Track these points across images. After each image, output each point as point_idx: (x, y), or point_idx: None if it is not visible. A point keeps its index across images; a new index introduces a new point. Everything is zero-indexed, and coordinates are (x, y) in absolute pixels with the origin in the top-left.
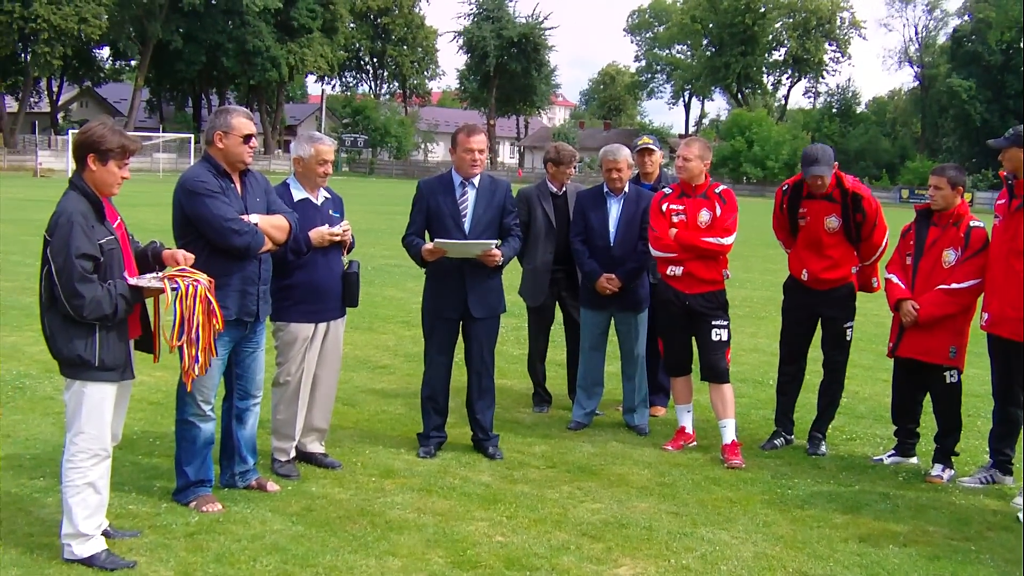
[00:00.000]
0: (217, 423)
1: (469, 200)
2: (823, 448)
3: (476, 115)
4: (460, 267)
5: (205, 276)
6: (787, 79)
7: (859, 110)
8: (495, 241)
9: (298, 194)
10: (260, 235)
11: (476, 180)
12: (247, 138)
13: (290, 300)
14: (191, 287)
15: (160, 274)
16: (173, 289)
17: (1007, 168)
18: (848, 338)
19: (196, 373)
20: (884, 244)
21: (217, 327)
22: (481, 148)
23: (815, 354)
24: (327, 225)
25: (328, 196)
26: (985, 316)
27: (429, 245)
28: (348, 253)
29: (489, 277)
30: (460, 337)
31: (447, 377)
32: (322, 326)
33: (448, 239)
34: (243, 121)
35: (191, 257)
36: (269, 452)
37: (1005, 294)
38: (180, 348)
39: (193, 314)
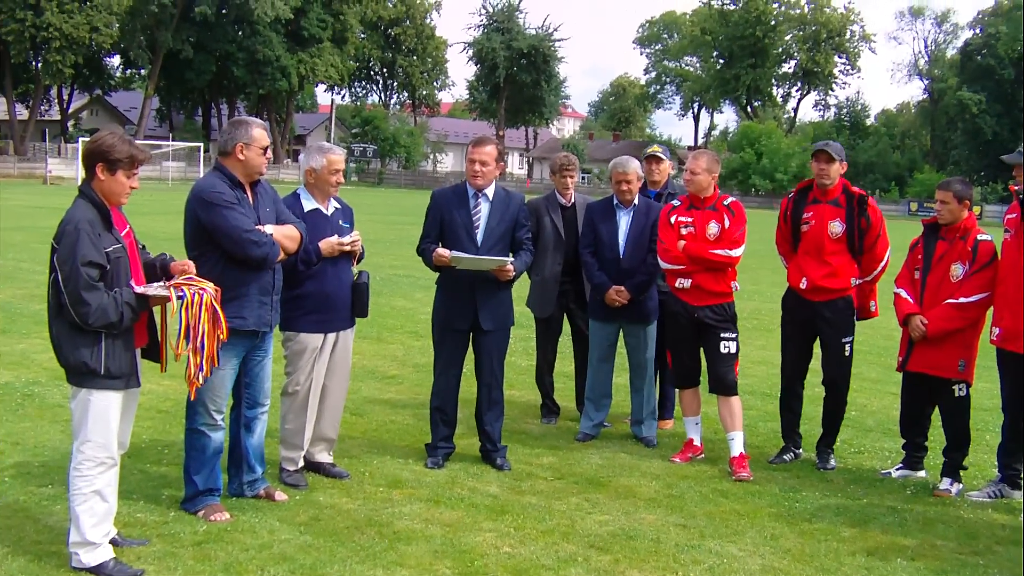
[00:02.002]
0: (225, 432)
1: (482, 212)
2: (832, 462)
3: (485, 126)
4: (471, 279)
5: (211, 285)
6: (797, 91)
7: (868, 123)
8: (510, 259)
9: (308, 204)
10: (276, 246)
11: (490, 192)
12: (265, 149)
13: (300, 310)
14: (197, 295)
15: (167, 282)
16: (179, 297)
17: (1021, 184)
18: (847, 354)
19: (200, 382)
20: (886, 260)
21: (222, 336)
22: (484, 160)
23: (817, 365)
24: (337, 235)
25: (338, 206)
26: (996, 331)
27: (443, 251)
28: (358, 263)
29: (499, 290)
30: (469, 349)
31: (456, 388)
32: (331, 336)
33: (460, 250)
34: (262, 133)
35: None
36: (277, 461)
37: (1017, 309)
38: (185, 356)
39: (199, 322)
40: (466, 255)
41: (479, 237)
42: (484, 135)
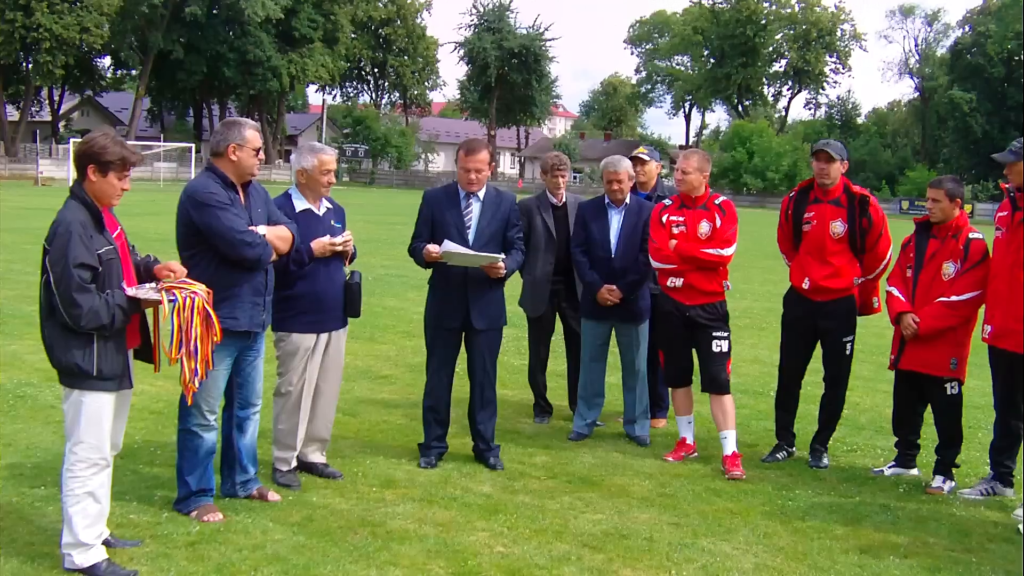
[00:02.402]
0: (218, 433)
1: (474, 212)
2: (825, 460)
3: (476, 126)
4: (462, 278)
5: (203, 287)
6: (788, 90)
7: (859, 121)
8: (501, 255)
9: (300, 205)
10: (269, 246)
11: (481, 193)
12: (257, 151)
13: (292, 310)
14: (188, 299)
15: (158, 285)
16: (170, 301)
17: (1012, 182)
18: (848, 352)
19: (196, 386)
20: (888, 258)
21: (216, 338)
22: (479, 168)
23: (815, 365)
24: (328, 235)
25: (330, 206)
26: (987, 328)
27: (433, 247)
28: (350, 263)
29: (491, 289)
30: (462, 348)
31: (449, 388)
32: (323, 336)
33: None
34: (255, 134)
35: (183, 270)
36: (270, 462)
37: (1008, 306)
38: (180, 360)
39: (191, 326)
40: (457, 250)
41: (471, 237)
42: (475, 140)
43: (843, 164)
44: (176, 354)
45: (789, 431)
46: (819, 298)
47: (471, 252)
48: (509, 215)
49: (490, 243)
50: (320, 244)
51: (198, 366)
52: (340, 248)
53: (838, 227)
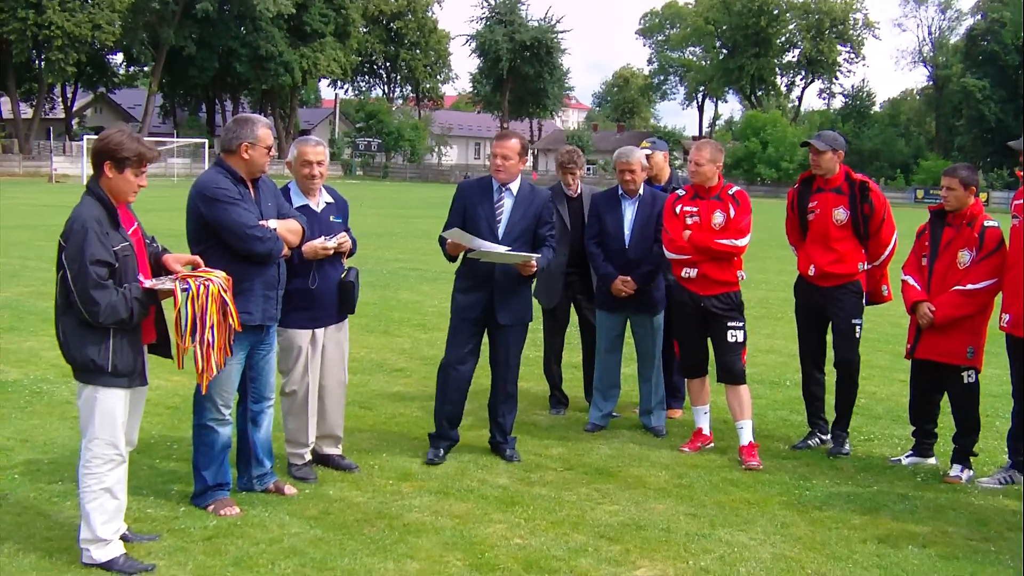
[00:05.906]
0: (233, 427)
1: (505, 207)
2: (847, 447)
3: (489, 119)
4: (490, 273)
5: (221, 274)
6: (801, 80)
7: (873, 110)
8: (536, 255)
9: (297, 200)
10: (280, 240)
11: (515, 187)
12: (269, 148)
13: (288, 305)
14: (202, 287)
15: (175, 275)
16: (184, 290)
17: None
18: (857, 335)
19: (213, 373)
20: (892, 244)
21: (234, 326)
22: (506, 154)
23: (831, 353)
24: (325, 235)
25: (331, 200)
26: (1006, 317)
27: (447, 234)
28: (348, 258)
29: (518, 284)
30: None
31: (469, 379)
32: (320, 333)
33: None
34: (268, 132)
35: (193, 260)
36: (286, 456)
37: None
38: (194, 349)
39: (206, 314)
40: (492, 249)
41: (501, 231)
42: (508, 129)
43: (836, 154)
44: (188, 343)
45: (819, 417)
46: (824, 284)
47: (504, 251)
48: (541, 212)
49: (519, 239)
50: (311, 248)
51: (215, 354)
52: (332, 250)
53: (840, 214)
